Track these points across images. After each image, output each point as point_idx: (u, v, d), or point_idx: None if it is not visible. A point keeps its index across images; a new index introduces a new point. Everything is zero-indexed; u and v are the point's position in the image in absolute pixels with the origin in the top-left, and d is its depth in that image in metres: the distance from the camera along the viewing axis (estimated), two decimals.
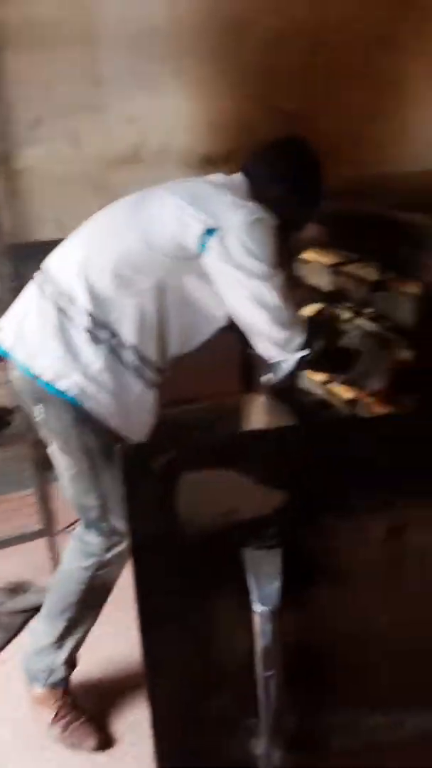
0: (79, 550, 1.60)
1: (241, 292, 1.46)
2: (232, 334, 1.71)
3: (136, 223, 1.49)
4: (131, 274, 1.45)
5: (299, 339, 1.49)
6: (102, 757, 1.63)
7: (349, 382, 1.76)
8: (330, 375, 1.81)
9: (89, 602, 1.61)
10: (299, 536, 0.76)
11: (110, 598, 1.63)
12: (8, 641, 1.98)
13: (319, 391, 1.95)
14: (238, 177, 1.55)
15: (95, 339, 1.45)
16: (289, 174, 1.54)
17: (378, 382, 1.71)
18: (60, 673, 1.66)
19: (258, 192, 1.52)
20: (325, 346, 1.54)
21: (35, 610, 1.97)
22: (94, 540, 1.57)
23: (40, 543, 2.17)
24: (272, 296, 1.45)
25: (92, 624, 1.65)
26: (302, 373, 1.67)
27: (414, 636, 0.86)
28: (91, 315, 1.44)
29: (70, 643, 1.65)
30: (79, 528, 1.61)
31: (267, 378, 1.62)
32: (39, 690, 1.67)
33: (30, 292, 1.54)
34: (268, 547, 0.74)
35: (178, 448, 0.71)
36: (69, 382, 1.44)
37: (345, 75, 2.60)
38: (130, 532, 0.73)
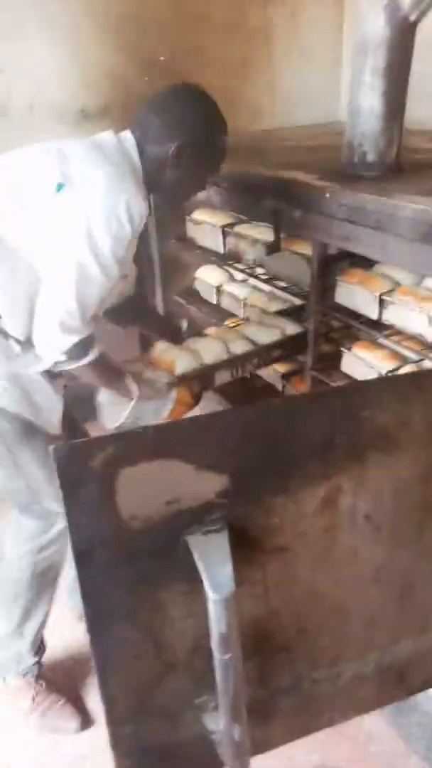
0: (17, 536, 1.55)
1: (61, 269, 1.28)
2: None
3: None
4: (18, 251, 1.31)
5: (66, 345, 1.32)
6: (85, 736, 1.63)
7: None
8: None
9: (39, 586, 1.57)
10: (243, 517, 0.76)
11: None
12: None
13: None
14: (125, 136, 1.40)
15: None
16: (189, 122, 1.38)
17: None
18: (28, 660, 1.63)
19: (149, 149, 1.37)
20: (91, 364, 1.37)
21: None
22: (30, 523, 1.52)
23: None
24: (74, 302, 1.27)
25: (49, 606, 1.62)
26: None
27: (347, 592, 0.90)
28: None
29: (30, 629, 1.61)
30: (13, 514, 1.56)
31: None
32: (12, 681, 1.63)
33: None
34: (214, 531, 0.74)
35: (115, 443, 0.67)
36: None
37: (214, 27, 2.54)
38: (71, 534, 0.69)
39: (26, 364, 1.38)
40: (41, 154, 1.34)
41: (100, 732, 1.62)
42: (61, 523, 1.50)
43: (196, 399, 1.64)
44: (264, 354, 1.77)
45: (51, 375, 1.43)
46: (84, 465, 0.66)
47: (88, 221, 1.26)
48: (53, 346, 1.33)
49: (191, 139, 1.38)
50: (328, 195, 1.54)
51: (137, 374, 1.58)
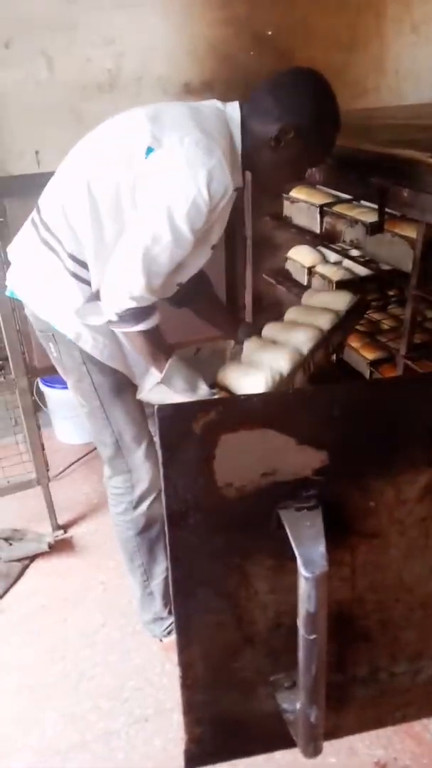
0: (111, 498, 1.62)
1: (136, 235, 1.26)
2: None
3: (94, 152, 1.34)
4: (108, 210, 1.30)
5: (124, 307, 1.30)
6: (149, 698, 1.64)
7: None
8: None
9: (147, 542, 1.63)
10: (338, 496, 0.74)
11: None
12: (7, 589, 1.98)
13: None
14: (231, 107, 1.37)
15: (80, 280, 1.37)
16: (298, 106, 1.32)
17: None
18: (166, 619, 1.70)
19: (253, 126, 1.33)
20: (142, 333, 1.35)
21: (33, 557, 2.04)
22: (118, 482, 1.58)
23: (34, 491, 2.15)
24: (141, 271, 1.25)
25: (167, 562, 1.66)
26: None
27: None
28: (72, 256, 1.36)
29: (157, 588, 1.67)
30: (105, 476, 1.62)
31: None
32: (163, 641, 1.73)
33: (26, 231, 1.46)
34: (308, 508, 0.72)
35: (217, 409, 0.66)
36: (66, 323, 1.40)
37: (324, 1, 2.45)
38: (166, 493, 0.69)
39: (85, 313, 1.39)
40: (138, 116, 1.32)
41: (162, 695, 1.64)
42: (145, 480, 1.54)
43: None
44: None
45: None
46: (186, 427, 0.66)
47: (167, 186, 1.23)
48: (113, 306, 1.32)
49: (296, 123, 1.32)
50: None
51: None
